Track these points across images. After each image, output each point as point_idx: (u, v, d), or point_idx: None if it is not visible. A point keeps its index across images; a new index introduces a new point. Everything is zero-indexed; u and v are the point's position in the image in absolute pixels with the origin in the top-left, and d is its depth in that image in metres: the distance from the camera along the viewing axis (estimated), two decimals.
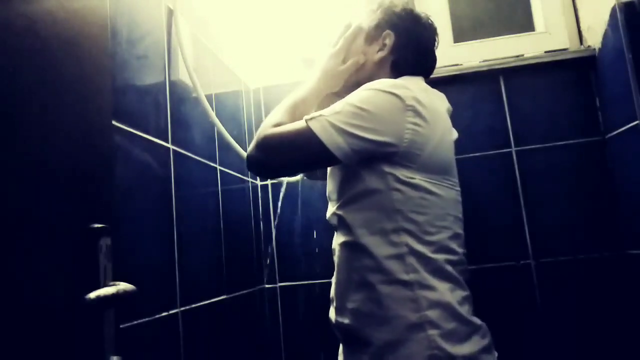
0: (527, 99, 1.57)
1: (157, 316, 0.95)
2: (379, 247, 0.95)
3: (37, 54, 0.60)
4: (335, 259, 1.05)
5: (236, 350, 1.35)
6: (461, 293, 0.97)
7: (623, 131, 1.38)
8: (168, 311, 1.00)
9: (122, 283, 0.66)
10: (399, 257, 0.94)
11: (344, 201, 1.01)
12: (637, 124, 1.29)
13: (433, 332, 0.90)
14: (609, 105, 1.47)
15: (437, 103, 1.04)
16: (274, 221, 1.71)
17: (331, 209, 1.07)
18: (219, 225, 1.34)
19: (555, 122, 1.55)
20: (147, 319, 0.91)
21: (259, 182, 1.73)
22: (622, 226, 1.45)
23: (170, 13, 1.17)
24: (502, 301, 1.47)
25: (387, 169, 0.96)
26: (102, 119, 0.75)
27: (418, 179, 0.96)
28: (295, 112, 1.04)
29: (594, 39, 1.52)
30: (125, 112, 0.92)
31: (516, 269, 1.50)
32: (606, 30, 1.43)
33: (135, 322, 0.87)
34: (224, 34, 1.59)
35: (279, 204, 1.70)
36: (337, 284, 1.04)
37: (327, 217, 1.10)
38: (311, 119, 0.96)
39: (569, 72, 1.56)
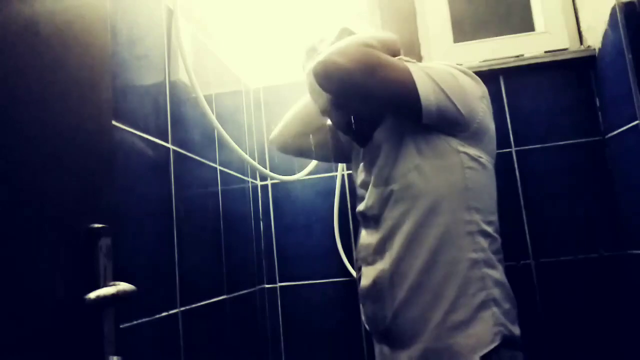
0: (527, 99, 1.57)
1: (157, 316, 0.95)
2: (452, 225, 0.96)
3: (37, 53, 0.60)
4: (396, 245, 0.99)
5: (236, 350, 1.35)
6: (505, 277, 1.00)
7: (623, 131, 1.38)
8: (168, 311, 1.00)
9: (122, 283, 0.66)
10: (470, 235, 0.95)
11: (410, 182, 0.98)
12: (637, 124, 1.29)
13: (496, 310, 0.93)
14: (609, 105, 1.47)
15: None
16: (274, 221, 1.71)
17: (382, 194, 1.03)
18: (219, 225, 1.34)
19: (555, 122, 1.55)
20: (147, 319, 0.91)
21: (258, 182, 1.73)
22: (622, 226, 1.45)
23: (170, 13, 1.17)
24: None
25: (460, 147, 0.98)
26: (102, 119, 0.75)
27: (485, 159, 1.00)
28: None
29: (594, 39, 1.52)
30: (125, 112, 0.92)
31: (516, 269, 1.50)
32: (606, 30, 1.43)
33: (135, 322, 0.87)
34: (224, 34, 1.59)
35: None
36: (395, 272, 0.98)
37: (363, 208, 1.07)
38: (407, 61, 0.96)
39: (569, 72, 1.56)
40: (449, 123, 0.97)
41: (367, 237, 1.08)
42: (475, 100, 0.99)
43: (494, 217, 1.01)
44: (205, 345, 1.15)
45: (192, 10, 1.34)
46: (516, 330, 0.96)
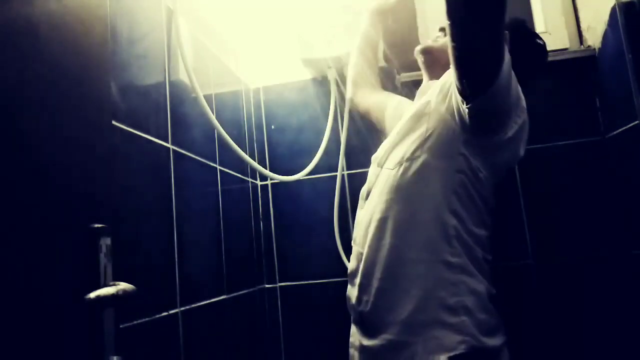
0: (527, 98, 1.57)
1: (157, 316, 0.95)
2: (430, 224, 0.94)
3: (37, 54, 0.60)
4: (371, 230, 1.00)
5: (236, 350, 1.35)
6: (491, 290, 0.99)
7: (623, 131, 1.38)
8: (168, 311, 0.99)
9: (122, 283, 0.66)
10: (448, 238, 0.94)
11: (403, 170, 0.98)
12: (637, 124, 1.29)
13: (466, 319, 0.90)
14: (609, 105, 1.47)
15: None
16: (274, 221, 1.71)
17: (378, 175, 1.04)
18: (219, 225, 1.34)
19: (555, 122, 1.55)
20: (147, 319, 0.91)
21: (258, 182, 1.73)
22: (622, 226, 1.44)
23: (170, 13, 1.17)
24: (501, 301, 1.46)
25: (463, 150, 0.96)
26: (102, 119, 0.75)
27: (484, 173, 0.98)
28: None
29: (594, 39, 1.52)
30: (125, 112, 0.92)
31: (516, 269, 1.50)
32: (606, 30, 1.43)
33: (135, 322, 0.87)
34: (224, 34, 1.59)
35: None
36: (368, 258, 1.00)
37: (365, 187, 1.08)
38: None
39: (569, 72, 1.56)
40: (491, 120, 0.95)
41: (358, 217, 1.09)
42: (512, 114, 0.99)
43: (479, 231, 0.98)
44: (205, 345, 1.15)
45: (192, 10, 1.34)
46: (492, 341, 0.92)
